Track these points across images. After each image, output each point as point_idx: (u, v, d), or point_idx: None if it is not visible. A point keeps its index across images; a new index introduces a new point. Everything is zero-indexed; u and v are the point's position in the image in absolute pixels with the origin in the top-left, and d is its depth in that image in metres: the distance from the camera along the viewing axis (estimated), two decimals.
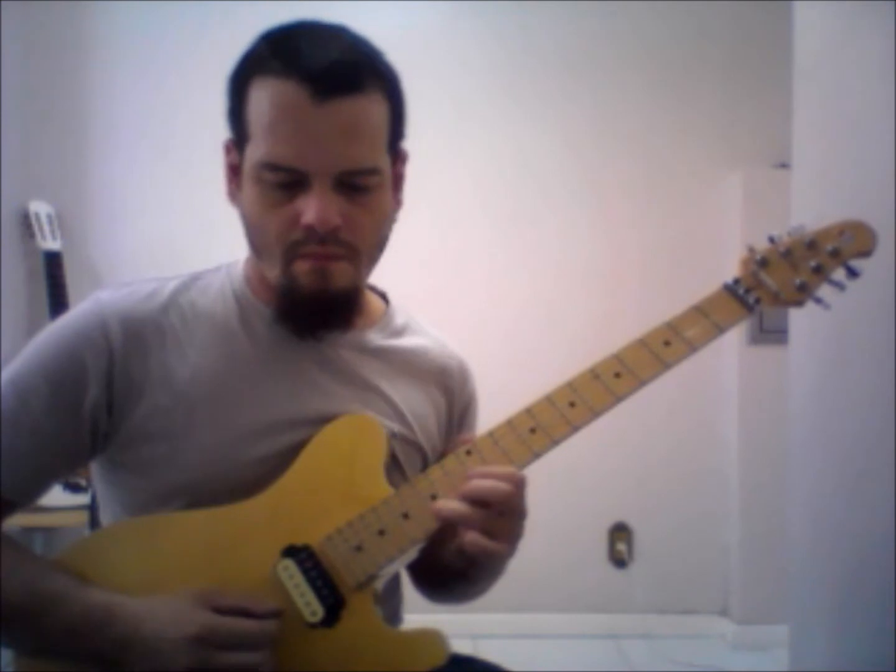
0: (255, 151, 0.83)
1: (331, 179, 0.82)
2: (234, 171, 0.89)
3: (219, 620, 0.79)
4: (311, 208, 0.81)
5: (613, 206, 2.78)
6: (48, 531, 2.37)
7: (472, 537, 0.78)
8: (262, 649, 0.79)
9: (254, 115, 0.83)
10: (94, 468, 0.94)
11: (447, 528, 0.84)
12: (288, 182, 0.82)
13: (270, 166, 0.82)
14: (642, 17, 2.78)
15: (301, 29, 0.85)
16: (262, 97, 0.82)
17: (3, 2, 2.48)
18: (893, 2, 1.33)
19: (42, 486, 0.89)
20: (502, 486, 0.79)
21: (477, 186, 2.76)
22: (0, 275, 2.43)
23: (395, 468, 0.92)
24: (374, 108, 0.83)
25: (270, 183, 0.82)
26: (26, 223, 2.57)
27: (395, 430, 0.93)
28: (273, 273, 0.87)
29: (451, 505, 0.80)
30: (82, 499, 2.16)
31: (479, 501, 0.79)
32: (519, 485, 0.80)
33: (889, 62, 1.32)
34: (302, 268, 0.85)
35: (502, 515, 0.79)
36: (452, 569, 0.92)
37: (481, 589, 0.99)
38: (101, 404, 0.86)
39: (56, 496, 2.12)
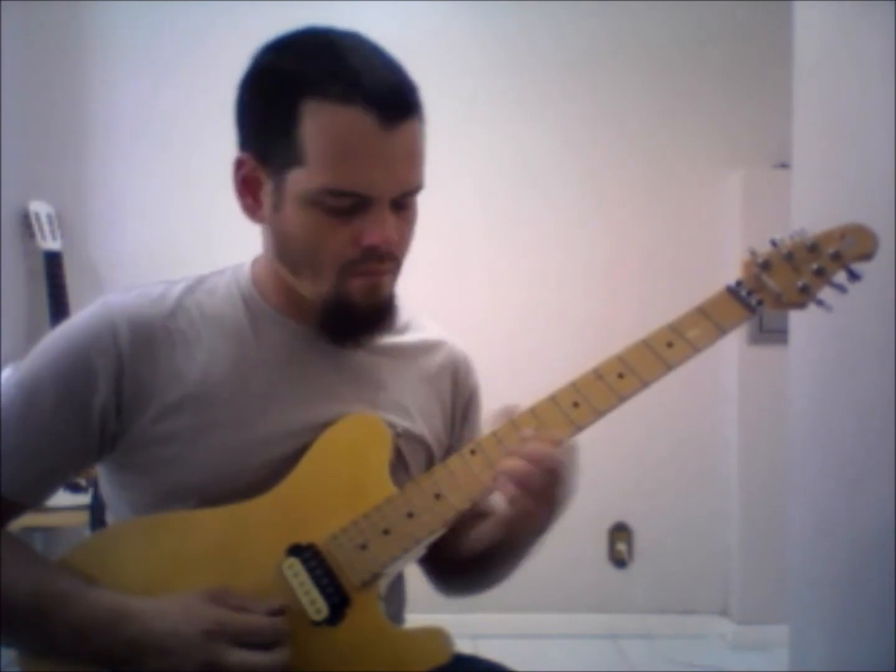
0: (315, 177, 0.81)
1: (390, 201, 0.83)
2: (249, 186, 0.87)
3: (229, 615, 0.79)
4: (378, 230, 0.82)
5: (613, 206, 2.79)
6: (48, 531, 2.37)
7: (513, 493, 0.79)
8: (275, 647, 0.79)
9: (311, 140, 0.80)
10: (101, 470, 0.94)
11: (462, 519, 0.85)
12: (351, 207, 0.82)
13: (336, 192, 0.81)
14: (642, 17, 2.79)
15: (336, 43, 0.82)
16: (324, 123, 0.80)
17: (3, 2, 2.48)
18: (893, 2, 1.33)
19: (50, 488, 0.89)
20: (530, 468, 0.79)
21: (477, 187, 2.77)
22: (0, 275, 2.43)
23: (400, 465, 0.93)
24: (422, 128, 0.86)
25: (330, 207, 0.82)
26: (26, 223, 2.57)
27: (400, 427, 0.94)
28: (318, 289, 0.87)
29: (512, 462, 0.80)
30: (82, 499, 2.16)
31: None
32: (551, 470, 0.80)
33: (889, 62, 1.33)
34: (356, 284, 0.86)
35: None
36: (469, 555, 0.93)
37: (497, 578, 0.99)
38: (110, 406, 0.86)
39: (56, 496, 2.11)
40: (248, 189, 0.88)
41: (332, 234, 0.83)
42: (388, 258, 0.86)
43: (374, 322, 0.90)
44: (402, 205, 0.86)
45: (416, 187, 0.86)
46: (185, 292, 0.93)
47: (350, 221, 0.83)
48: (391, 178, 0.82)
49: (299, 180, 0.82)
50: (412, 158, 0.84)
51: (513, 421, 0.85)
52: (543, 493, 0.80)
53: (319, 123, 0.80)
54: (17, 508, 0.88)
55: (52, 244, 2.55)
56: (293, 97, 0.81)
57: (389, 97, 0.80)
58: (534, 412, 0.84)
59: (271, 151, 0.84)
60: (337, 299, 0.87)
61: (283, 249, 0.89)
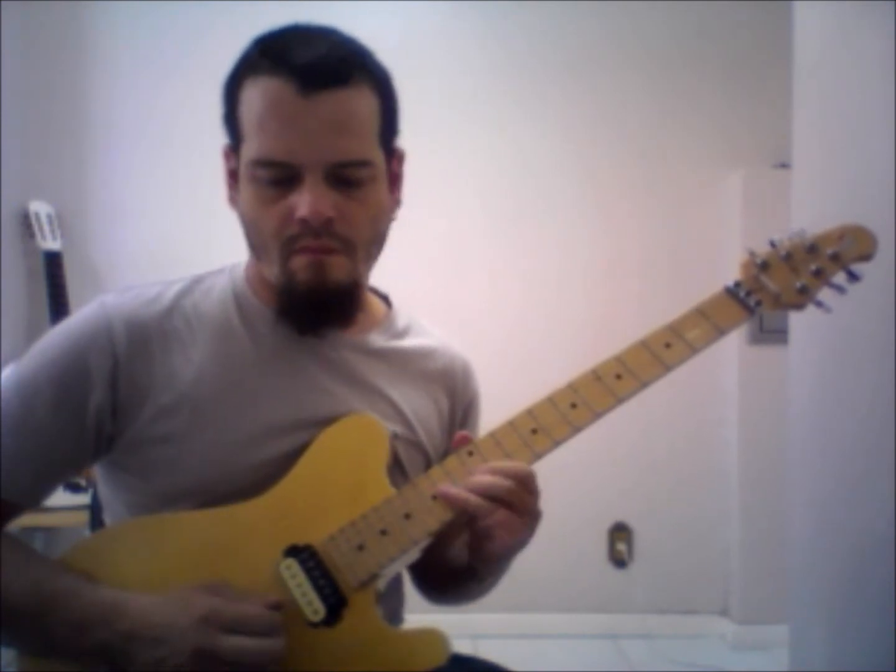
0: (249, 150, 0.84)
1: (322, 173, 0.82)
2: (234, 177, 0.90)
3: (225, 603, 0.78)
4: (304, 201, 0.82)
5: (613, 206, 2.78)
6: (48, 531, 2.37)
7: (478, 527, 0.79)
8: (268, 636, 0.78)
9: (246, 114, 0.84)
10: (98, 470, 0.94)
11: (453, 527, 0.84)
12: (281, 178, 0.83)
13: (262, 163, 0.83)
14: (642, 17, 2.79)
15: (291, 30, 0.86)
16: (253, 96, 0.83)
17: (3, 2, 2.48)
18: (893, 2, 1.33)
19: (46, 489, 0.89)
20: (504, 482, 0.79)
21: (477, 187, 2.77)
22: (0, 275, 2.43)
23: (397, 469, 0.92)
24: (361, 101, 0.84)
25: (264, 180, 0.83)
26: (26, 223, 2.57)
27: (396, 431, 0.94)
28: (272, 271, 0.88)
29: (454, 490, 0.80)
30: (82, 499, 2.16)
31: (483, 495, 0.79)
32: (523, 481, 0.80)
33: (889, 62, 1.33)
34: (299, 263, 0.85)
35: (510, 509, 0.80)
36: (458, 567, 0.93)
37: (486, 587, 0.99)
38: (106, 407, 0.86)
39: (56, 496, 2.10)
40: (232, 180, 0.90)
41: (271, 210, 0.84)
42: (325, 234, 0.84)
43: (326, 307, 0.88)
44: (346, 180, 0.84)
45: (349, 160, 0.83)
46: (182, 293, 0.93)
47: (285, 195, 0.83)
48: (313, 147, 0.81)
49: (243, 156, 0.85)
50: (340, 128, 0.82)
51: (511, 422, 0.85)
52: (519, 504, 0.80)
53: (250, 97, 0.83)
54: (15, 509, 0.88)
55: (52, 244, 2.55)
56: (238, 80, 0.85)
57: (310, 65, 0.80)
58: (532, 413, 0.85)
59: (231, 136, 0.88)
60: (285, 280, 0.86)
61: (244, 232, 0.90)
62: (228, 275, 0.96)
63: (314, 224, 0.82)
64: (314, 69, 0.80)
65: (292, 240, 0.84)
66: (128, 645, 0.78)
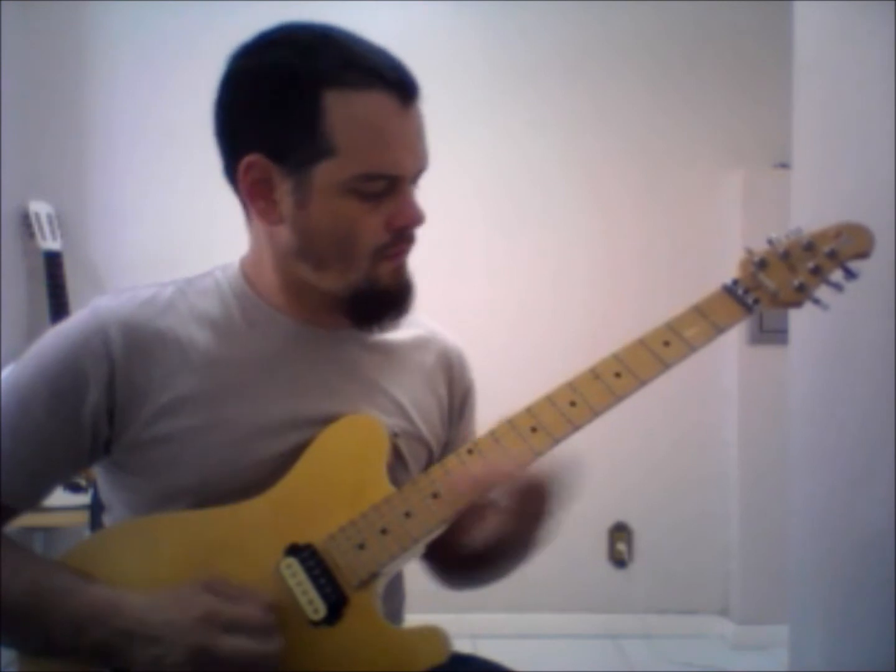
0: (350, 165, 0.82)
1: (412, 180, 0.87)
2: (260, 188, 0.85)
3: (223, 603, 0.78)
4: (409, 210, 0.86)
5: (613, 206, 2.78)
6: (48, 531, 2.38)
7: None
8: (265, 637, 0.78)
9: (340, 130, 0.81)
10: (99, 471, 0.94)
11: (463, 518, 0.85)
12: (383, 190, 0.84)
13: (371, 177, 0.83)
14: (642, 17, 2.79)
15: (329, 34, 0.85)
16: (351, 111, 0.81)
17: (3, 2, 2.48)
18: (893, 2, 1.33)
19: (42, 492, 0.89)
20: (508, 481, 0.81)
21: (476, 186, 2.77)
22: (0, 275, 2.43)
23: (399, 465, 0.93)
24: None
25: (364, 193, 0.84)
26: (26, 223, 2.57)
27: (397, 427, 0.94)
28: (347, 279, 0.87)
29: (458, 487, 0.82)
30: (82, 499, 2.16)
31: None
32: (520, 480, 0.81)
33: (889, 62, 1.33)
34: (387, 268, 0.88)
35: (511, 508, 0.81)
36: (471, 554, 0.93)
37: (504, 572, 0.99)
38: (102, 411, 0.86)
39: (56, 496, 2.09)
40: (259, 192, 0.86)
41: (366, 221, 0.85)
42: (412, 238, 0.89)
43: (401, 303, 0.92)
44: (415, 184, 0.89)
45: (428, 165, 0.89)
46: (176, 294, 0.92)
47: (379, 205, 0.85)
48: (414, 156, 0.86)
49: (330, 172, 0.82)
50: (423, 137, 0.88)
51: (510, 420, 0.85)
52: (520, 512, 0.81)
53: (346, 112, 0.82)
54: (11, 512, 0.88)
55: (52, 244, 2.55)
56: (311, 91, 0.81)
57: (402, 77, 0.84)
58: (531, 411, 0.85)
59: (290, 149, 0.83)
60: (368, 285, 0.88)
61: (308, 246, 0.87)
62: (221, 275, 0.96)
63: (412, 230, 0.87)
64: (407, 81, 0.84)
65: (385, 247, 0.87)
66: (125, 643, 0.78)
